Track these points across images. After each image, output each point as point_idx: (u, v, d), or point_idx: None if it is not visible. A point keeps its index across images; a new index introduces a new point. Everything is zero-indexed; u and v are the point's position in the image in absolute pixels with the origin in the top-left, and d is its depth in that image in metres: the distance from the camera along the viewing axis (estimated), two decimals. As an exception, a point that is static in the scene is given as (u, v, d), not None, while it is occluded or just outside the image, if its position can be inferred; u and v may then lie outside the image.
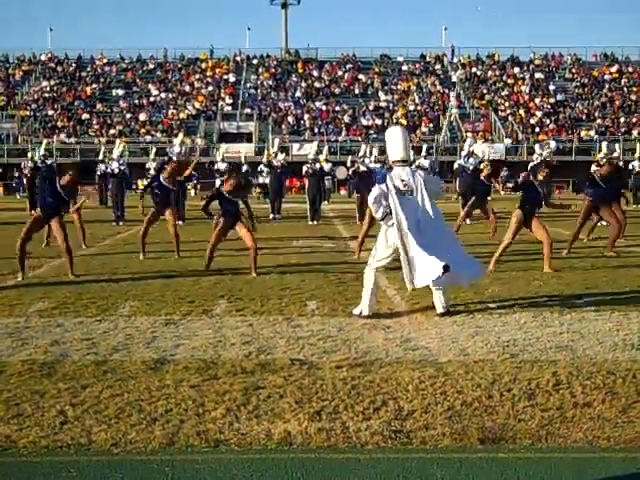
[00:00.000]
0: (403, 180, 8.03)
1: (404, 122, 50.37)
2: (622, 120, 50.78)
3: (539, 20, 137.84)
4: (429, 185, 8.17)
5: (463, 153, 25.24)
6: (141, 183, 38.53)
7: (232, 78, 57.13)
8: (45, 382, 5.67)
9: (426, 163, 30.06)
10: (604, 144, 24.49)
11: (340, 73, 58.21)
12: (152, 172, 29.68)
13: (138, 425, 4.74)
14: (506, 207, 19.00)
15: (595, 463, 4.25)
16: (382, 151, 19.66)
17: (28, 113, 52.06)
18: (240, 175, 11.61)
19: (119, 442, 4.48)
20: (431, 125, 50.33)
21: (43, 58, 60.35)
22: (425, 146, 32.47)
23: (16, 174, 41.26)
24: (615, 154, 23.54)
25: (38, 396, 5.32)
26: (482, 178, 16.73)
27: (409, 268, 7.88)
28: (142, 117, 51.14)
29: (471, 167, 23.06)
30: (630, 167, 28.96)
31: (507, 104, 53.34)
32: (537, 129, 50.18)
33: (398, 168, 8.15)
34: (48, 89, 55.57)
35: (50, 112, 52.36)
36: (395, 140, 8.30)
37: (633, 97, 53.95)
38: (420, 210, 7.99)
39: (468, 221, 17.90)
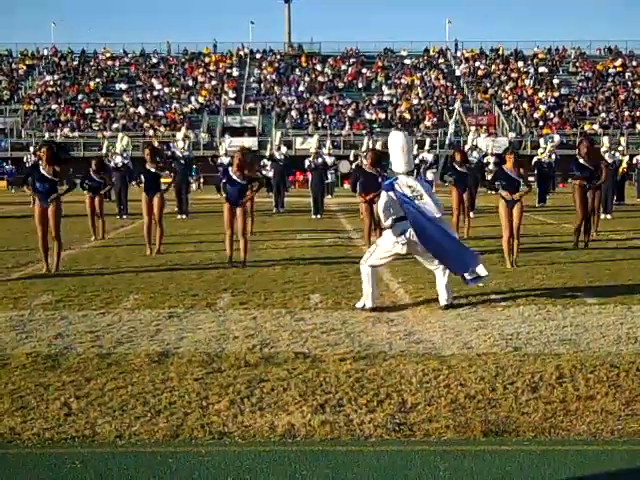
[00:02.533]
0: (410, 186, 8.01)
1: (407, 116, 50.38)
2: (626, 114, 50.70)
3: (543, 14, 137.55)
4: (433, 197, 8.16)
5: (466, 147, 25.19)
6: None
7: (235, 72, 57.14)
8: (49, 375, 5.69)
9: (429, 157, 30.03)
10: (605, 138, 24.41)
11: (343, 67, 58.17)
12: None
13: (142, 417, 4.75)
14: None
15: (598, 456, 4.25)
16: (385, 145, 19.63)
17: (32, 107, 52.11)
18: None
19: (123, 434, 4.49)
20: (435, 119, 50.26)
21: (46, 52, 60.38)
22: (428, 140, 32.43)
23: (8, 166, 41.30)
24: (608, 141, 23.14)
25: (42, 388, 5.33)
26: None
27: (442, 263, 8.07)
28: (141, 110, 51.16)
29: (474, 161, 23.01)
30: (635, 161, 28.88)
31: (511, 98, 53.27)
32: (541, 123, 50.13)
33: (403, 175, 8.14)
34: (52, 83, 55.62)
35: (54, 106, 52.39)
36: (397, 151, 8.17)
37: (637, 91, 53.88)
38: (428, 212, 7.96)
39: (472, 214, 17.86)
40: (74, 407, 4.94)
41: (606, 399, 5.07)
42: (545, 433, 4.51)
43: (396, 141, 8.25)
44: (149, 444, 4.38)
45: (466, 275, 8.12)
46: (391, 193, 8.01)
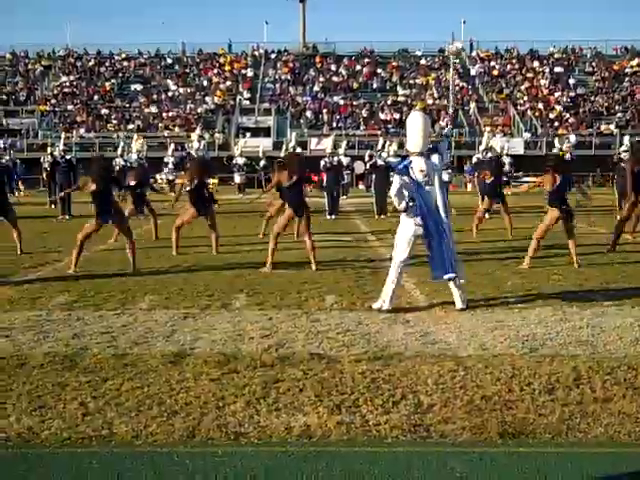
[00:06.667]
0: (422, 171, 8.03)
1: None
2: (643, 114, 50.33)
3: (559, 13, 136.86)
4: (440, 172, 8.28)
5: (481, 147, 25.11)
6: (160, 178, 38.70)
7: (250, 73, 57.16)
8: (66, 374, 5.72)
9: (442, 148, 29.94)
10: (626, 138, 24.26)
11: (358, 67, 58.07)
12: (170, 166, 29.88)
13: (159, 418, 4.77)
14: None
15: (615, 458, 4.23)
16: (401, 145, 19.63)
17: (48, 108, 52.34)
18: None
19: (140, 434, 4.51)
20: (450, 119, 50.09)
21: (62, 53, 60.66)
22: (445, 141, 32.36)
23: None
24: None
25: (59, 388, 5.37)
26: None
27: (433, 260, 8.10)
28: (153, 109, 51.32)
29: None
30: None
31: (526, 98, 53.04)
32: (557, 123, 49.87)
33: (417, 158, 8.14)
34: (67, 84, 55.85)
35: (69, 107, 52.62)
36: (416, 130, 8.20)
37: (654, 90, 53.46)
38: (435, 201, 8.03)
39: (487, 215, 17.77)
40: (91, 407, 4.97)
41: (623, 401, 5.04)
42: (562, 435, 4.50)
43: (415, 121, 8.30)
44: (165, 444, 4.40)
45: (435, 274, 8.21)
46: (405, 178, 8.04)
